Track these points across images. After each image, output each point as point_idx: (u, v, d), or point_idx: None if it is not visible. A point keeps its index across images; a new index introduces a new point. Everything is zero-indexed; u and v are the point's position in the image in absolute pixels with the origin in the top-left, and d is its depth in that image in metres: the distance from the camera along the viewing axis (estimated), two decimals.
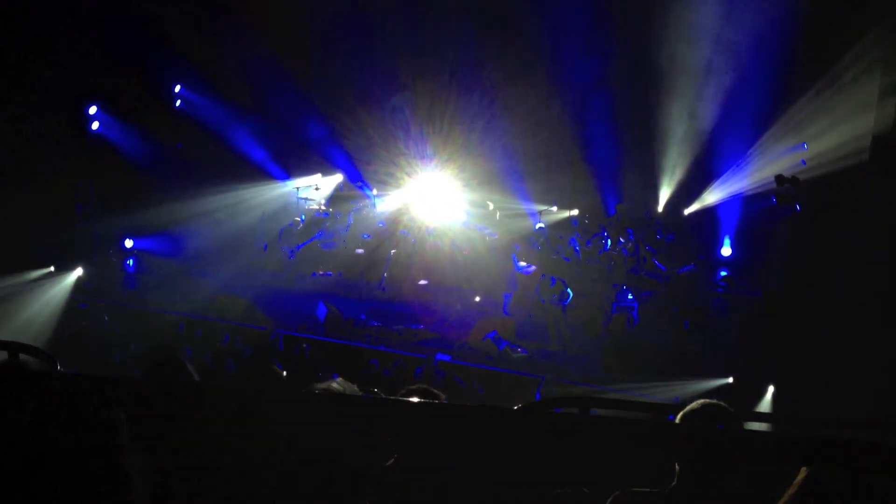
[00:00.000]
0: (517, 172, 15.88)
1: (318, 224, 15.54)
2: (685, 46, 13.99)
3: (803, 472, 2.11)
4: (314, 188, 16.74)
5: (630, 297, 12.64)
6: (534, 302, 13.12)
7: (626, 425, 1.25)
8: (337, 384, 2.01)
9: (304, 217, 15.57)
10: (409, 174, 16.53)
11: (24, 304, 12.34)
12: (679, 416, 2.60)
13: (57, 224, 13.92)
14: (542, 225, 15.52)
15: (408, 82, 16.35)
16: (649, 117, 15.05)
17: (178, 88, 16.41)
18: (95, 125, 15.39)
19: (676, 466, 2.52)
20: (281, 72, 16.03)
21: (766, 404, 9.74)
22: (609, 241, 14.27)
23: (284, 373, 3.58)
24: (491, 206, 15.54)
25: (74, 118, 15.17)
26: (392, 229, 15.28)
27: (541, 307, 12.75)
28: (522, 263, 13.51)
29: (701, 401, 2.59)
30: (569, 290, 11.95)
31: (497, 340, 11.52)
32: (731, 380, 10.20)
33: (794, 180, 10.72)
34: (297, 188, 16.77)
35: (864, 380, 8.84)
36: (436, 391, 3.03)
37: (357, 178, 17.08)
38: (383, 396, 2.77)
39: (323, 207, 16.38)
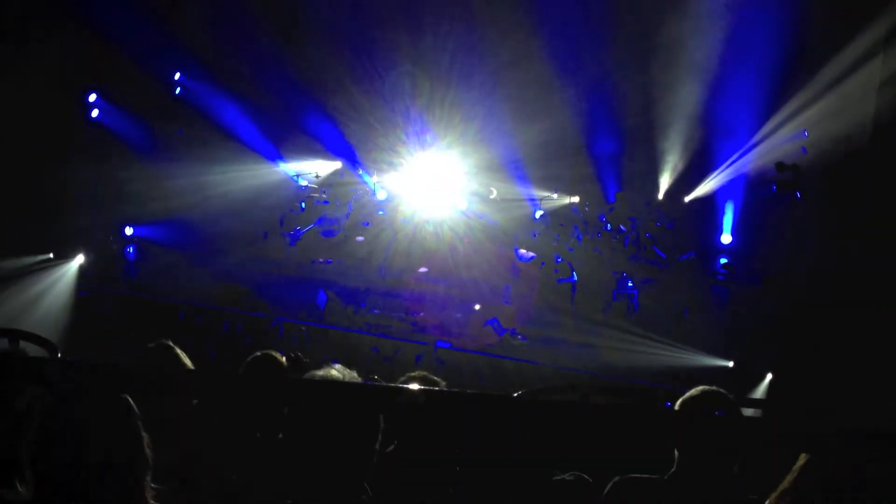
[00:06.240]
0: (517, 159, 15.82)
1: (317, 211, 15.50)
2: (686, 33, 13.92)
3: (803, 458, 2.12)
4: (314, 175, 16.69)
5: (630, 284, 12.65)
6: (535, 289, 13.13)
7: (625, 412, 1.26)
8: (336, 371, 2.02)
9: (304, 204, 15.53)
10: (408, 162, 16.47)
11: (25, 290, 12.33)
12: (678, 403, 2.61)
13: (56, 211, 13.89)
14: (542, 212, 15.50)
15: (407, 69, 16.27)
16: (650, 104, 14.99)
17: (177, 76, 16.35)
18: (95, 113, 15.33)
19: (676, 453, 2.53)
20: (279, 58, 15.95)
21: (764, 391, 9.78)
22: (609, 229, 14.26)
23: (285, 360, 3.58)
24: (494, 193, 15.47)
25: (74, 106, 15.11)
26: (392, 217, 15.24)
27: (542, 294, 12.76)
28: (522, 251, 13.51)
29: (700, 387, 2.60)
30: (574, 273, 11.97)
31: (497, 327, 11.54)
32: (731, 364, 10.26)
33: (794, 168, 10.71)
34: (297, 175, 16.72)
35: (864, 368, 8.86)
36: (436, 378, 3.04)
37: (357, 166, 17.03)
38: (383, 383, 2.77)
39: (323, 195, 16.33)
